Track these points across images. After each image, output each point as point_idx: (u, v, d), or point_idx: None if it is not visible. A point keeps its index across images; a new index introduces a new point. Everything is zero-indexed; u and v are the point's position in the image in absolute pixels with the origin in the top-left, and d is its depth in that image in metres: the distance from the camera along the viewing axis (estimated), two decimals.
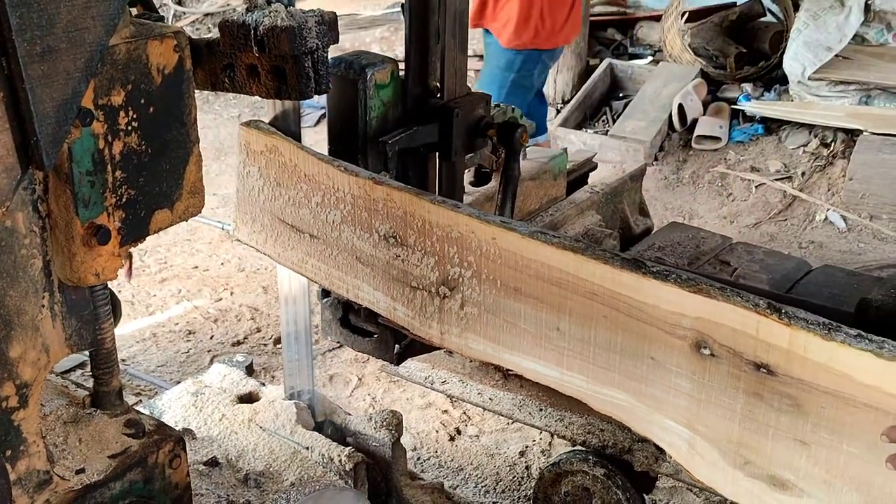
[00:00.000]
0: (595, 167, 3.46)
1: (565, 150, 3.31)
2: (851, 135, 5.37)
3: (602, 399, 1.85)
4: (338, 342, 2.50)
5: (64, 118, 1.07)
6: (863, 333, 1.54)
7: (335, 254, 2.10)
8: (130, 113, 1.31)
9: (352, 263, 2.08)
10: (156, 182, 1.39)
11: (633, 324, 1.74)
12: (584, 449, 2.47)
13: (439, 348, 2.12)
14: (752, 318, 1.60)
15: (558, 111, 6.24)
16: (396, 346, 2.33)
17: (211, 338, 3.91)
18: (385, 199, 1.97)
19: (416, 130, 2.25)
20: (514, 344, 1.92)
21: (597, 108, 6.29)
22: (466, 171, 2.64)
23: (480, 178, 2.75)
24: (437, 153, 2.39)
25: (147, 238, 1.47)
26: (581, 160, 3.42)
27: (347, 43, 7.06)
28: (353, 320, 2.38)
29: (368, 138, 2.21)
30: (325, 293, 2.38)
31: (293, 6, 1.97)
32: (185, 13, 8.18)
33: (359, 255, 2.06)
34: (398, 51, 7.06)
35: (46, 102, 1.00)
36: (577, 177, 3.30)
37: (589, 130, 6.04)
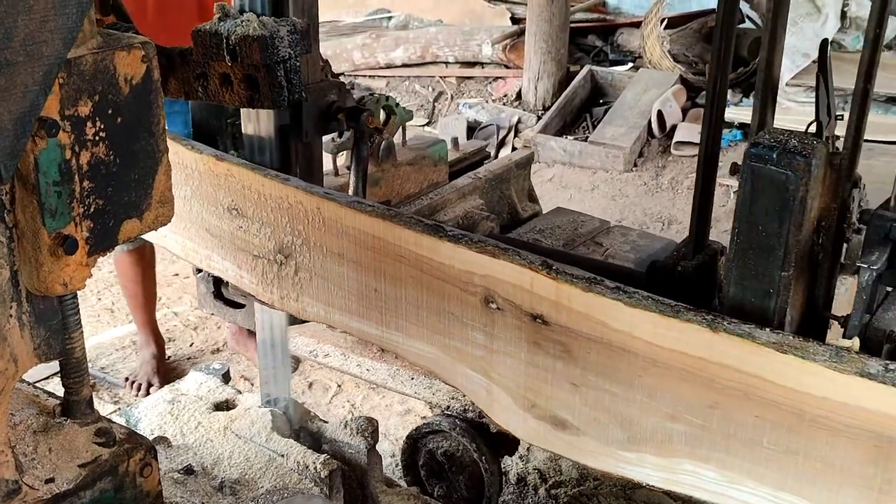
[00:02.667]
0: (488, 156, 3.59)
1: (455, 139, 3.54)
2: None
3: (415, 353, 2.02)
4: (211, 314, 2.69)
5: (22, 131, 1.08)
6: (621, 286, 1.73)
7: (188, 226, 2.28)
8: (98, 123, 1.31)
9: (202, 235, 2.25)
10: (124, 192, 1.39)
11: (435, 283, 1.91)
12: (446, 413, 2.61)
13: (303, 320, 2.27)
14: (526, 274, 1.77)
15: (539, 118, 6.26)
16: None
17: (191, 345, 3.91)
18: (226, 174, 2.15)
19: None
20: (342, 305, 2.08)
21: (577, 115, 6.33)
22: (340, 154, 2.82)
23: None
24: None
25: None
26: (473, 149, 3.57)
27: (329, 50, 7.07)
28: (224, 293, 2.55)
29: (226, 121, 2.41)
30: (199, 268, 2.53)
31: (266, 15, 1.98)
32: None
33: (208, 226, 2.23)
34: (379, 57, 7.08)
35: (4, 116, 1.00)
36: (470, 164, 3.44)
37: (569, 137, 6.07)
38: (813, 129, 2.04)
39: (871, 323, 2.01)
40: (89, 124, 1.30)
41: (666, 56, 6.16)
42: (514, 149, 6.18)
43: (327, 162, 2.81)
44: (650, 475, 1.77)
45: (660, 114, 5.81)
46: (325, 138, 2.54)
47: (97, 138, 1.32)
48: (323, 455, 2.21)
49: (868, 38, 1.90)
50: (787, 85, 5.64)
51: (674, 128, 5.82)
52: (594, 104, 6.39)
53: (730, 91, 6.03)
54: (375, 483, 2.30)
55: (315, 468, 2.17)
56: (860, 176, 2.05)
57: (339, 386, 3.57)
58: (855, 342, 1.74)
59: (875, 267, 1.85)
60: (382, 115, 2.82)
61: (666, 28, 6.45)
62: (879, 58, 1.95)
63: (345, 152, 2.80)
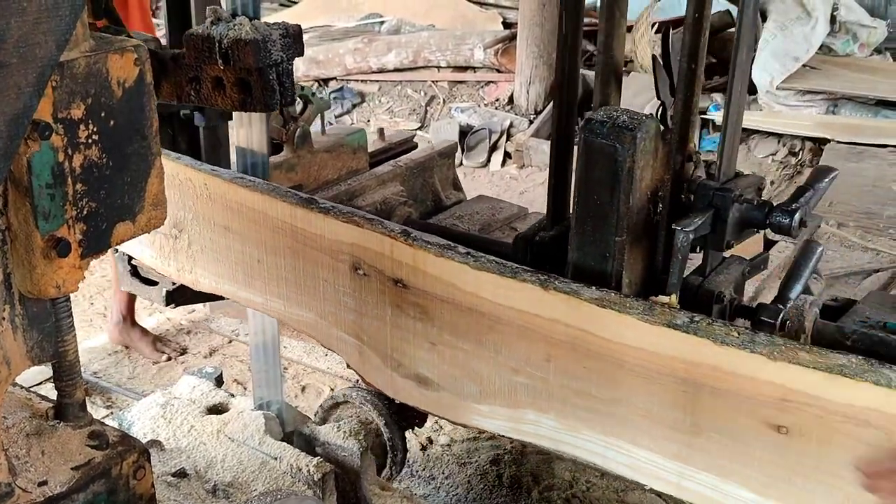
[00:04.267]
0: (415, 147, 3.68)
1: (381, 130, 3.67)
2: (819, 143, 5.45)
3: (296, 319, 2.17)
4: (130, 292, 2.90)
5: (15, 133, 1.08)
6: (471, 252, 1.87)
7: None
8: (91, 126, 1.31)
9: None
10: (117, 195, 1.39)
11: (309, 252, 2.05)
12: (358, 386, 2.73)
13: (212, 295, 2.39)
14: (387, 242, 1.92)
15: (531, 122, 6.28)
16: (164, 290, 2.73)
17: (184, 350, 3.90)
18: None
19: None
20: (230, 276, 2.23)
21: None
22: None
23: (272, 149, 3.09)
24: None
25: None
26: (399, 139, 3.68)
27: (321, 55, 7.07)
28: (141, 271, 2.71)
29: None
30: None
31: (258, 19, 1.99)
32: (158, 24, 8.16)
33: None
34: (371, 62, 7.09)
35: None
36: (395, 154, 3.54)
37: None
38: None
39: (702, 284, 2.17)
40: (82, 127, 1.30)
41: None
42: (506, 153, 6.19)
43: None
44: (501, 426, 1.90)
45: None
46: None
47: (90, 141, 1.32)
48: (316, 458, 2.21)
49: (688, 22, 2.06)
50: (777, 88, 5.67)
51: None
52: (586, 108, 6.40)
53: (720, 94, 6.06)
54: (369, 486, 2.30)
55: (308, 471, 2.17)
56: (695, 150, 2.21)
57: (332, 390, 3.57)
58: (673, 298, 1.86)
59: (689, 229, 2.00)
60: (299, 103, 2.98)
61: (656, 32, 6.47)
62: (704, 41, 2.10)
63: None
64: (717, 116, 5.79)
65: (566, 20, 2.29)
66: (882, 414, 1.45)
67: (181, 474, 2.18)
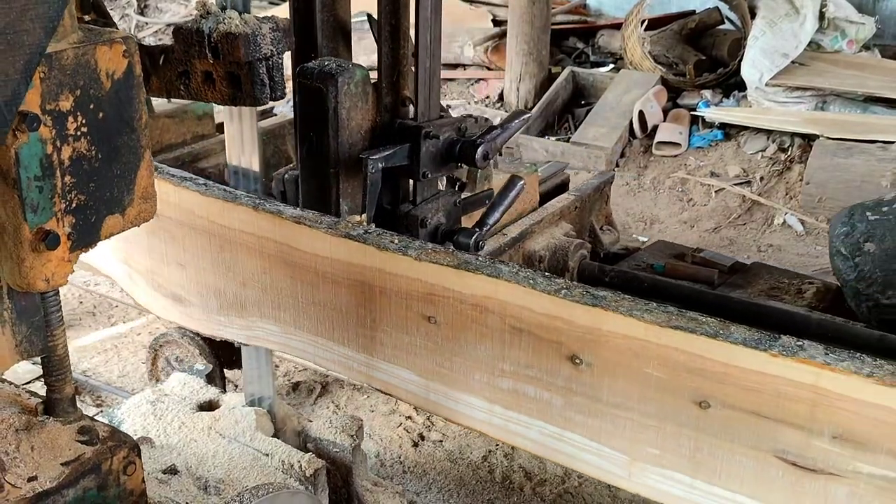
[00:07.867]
0: (273, 116, 3.89)
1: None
2: (808, 139, 5.46)
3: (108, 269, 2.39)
4: None
5: (4, 121, 1.07)
6: (207, 182, 2.11)
7: None
8: (79, 118, 1.31)
9: None
10: (106, 187, 1.39)
11: None
12: (180, 328, 2.96)
13: None
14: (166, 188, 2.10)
15: None
16: None
17: None
18: None
19: None
20: None
21: (559, 116, 6.35)
22: None
23: None
24: None
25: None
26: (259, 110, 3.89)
27: None
28: None
29: None
30: None
31: (248, 13, 1.98)
32: (147, 23, 8.13)
33: None
34: (360, 59, 7.06)
35: None
36: None
37: (551, 138, 6.09)
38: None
39: (411, 211, 2.49)
40: (71, 119, 1.30)
41: (646, 57, 6.19)
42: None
43: None
44: (238, 334, 2.14)
45: (641, 114, 5.83)
46: None
47: (79, 133, 1.32)
48: (308, 454, 2.20)
49: None
50: (766, 85, 5.68)
51: (655, 128, 5.85)
52: (576, 105, 6.41)
53: (710, 91, 6.07)
54: (360, 481, 2.30)
55: (300, 467, 2.16)
56: (410, 98, 2.53)
57: (324, 387, 3.56)
58: (363, 217, 2.24)
59: (375, 157, 2.32)
60: None
61: (646, 29, 6.48)
62: None
63: None
64: (706, 113, 5.80)
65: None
66: (496, 301, 1.72)
67: (172, 471, 2.16)
